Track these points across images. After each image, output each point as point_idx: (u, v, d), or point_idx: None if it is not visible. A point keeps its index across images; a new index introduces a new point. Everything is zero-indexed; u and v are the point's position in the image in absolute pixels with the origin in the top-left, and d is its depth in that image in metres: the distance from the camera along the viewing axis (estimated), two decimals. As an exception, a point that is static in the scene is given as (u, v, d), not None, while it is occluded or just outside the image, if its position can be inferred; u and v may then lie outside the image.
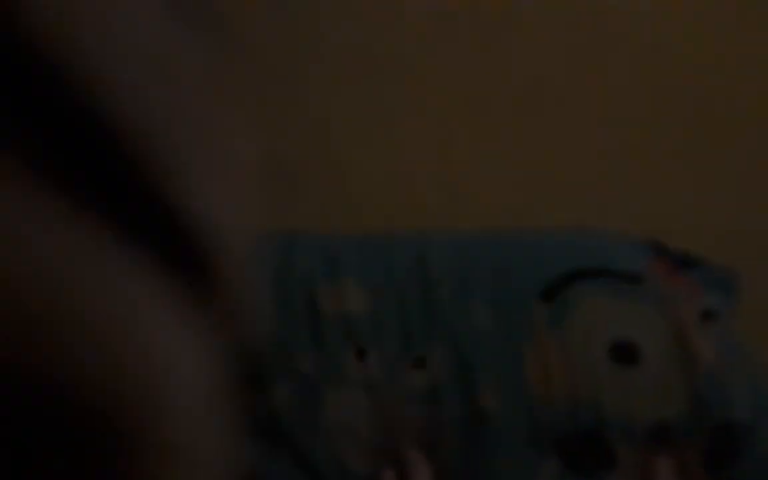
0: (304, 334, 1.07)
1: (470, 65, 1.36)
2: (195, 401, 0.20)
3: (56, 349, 0.17)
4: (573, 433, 1.02)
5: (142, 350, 0.18)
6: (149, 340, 0.19)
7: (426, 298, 1.08)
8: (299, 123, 1.36)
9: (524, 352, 1.06)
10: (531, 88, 1.38)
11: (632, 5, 1.36)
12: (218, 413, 0.21)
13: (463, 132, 1.36)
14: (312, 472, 1.02)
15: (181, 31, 0.21)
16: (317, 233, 1.19)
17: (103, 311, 0.18)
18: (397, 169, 1.34)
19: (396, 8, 1.36)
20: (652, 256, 1.17)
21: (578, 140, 1.35)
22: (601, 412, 1.02)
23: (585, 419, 1.02)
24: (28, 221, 0.17)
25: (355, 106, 1.37)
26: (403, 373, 1.05)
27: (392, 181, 1.32)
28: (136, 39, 0.19)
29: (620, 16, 1.36)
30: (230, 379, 0.22)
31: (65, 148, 0.18)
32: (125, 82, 0.18)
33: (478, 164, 1.33)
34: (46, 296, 0.17)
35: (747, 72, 1.34)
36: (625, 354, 1.05)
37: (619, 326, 1.06)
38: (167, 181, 0.19)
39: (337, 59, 1.36)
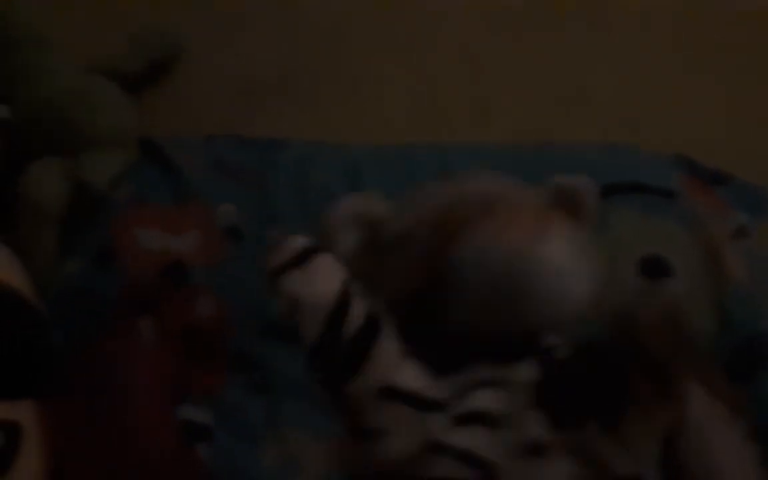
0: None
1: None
2: None
3: None
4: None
5: None
6: None
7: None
8: (317, 32, 1.32)
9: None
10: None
11: None
12: None
13: (490, 43, 1.33)
14: None
15: None
16: (336, 145, 1.17)
17: None
18: (420, 80, 1.30)
19: None
20: (683, 172, 1.16)
21: (610, 55, 1.33)
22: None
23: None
24: None
25: (375, 14, 1.34)
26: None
27: (415, 93, 1.29)
28: None
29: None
30: None
31: None
32: None
33: (505, 77, 1.31)
34: None
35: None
36: (655, 271, 1.04)
37: (650, 243, 1.05)
38: None
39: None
